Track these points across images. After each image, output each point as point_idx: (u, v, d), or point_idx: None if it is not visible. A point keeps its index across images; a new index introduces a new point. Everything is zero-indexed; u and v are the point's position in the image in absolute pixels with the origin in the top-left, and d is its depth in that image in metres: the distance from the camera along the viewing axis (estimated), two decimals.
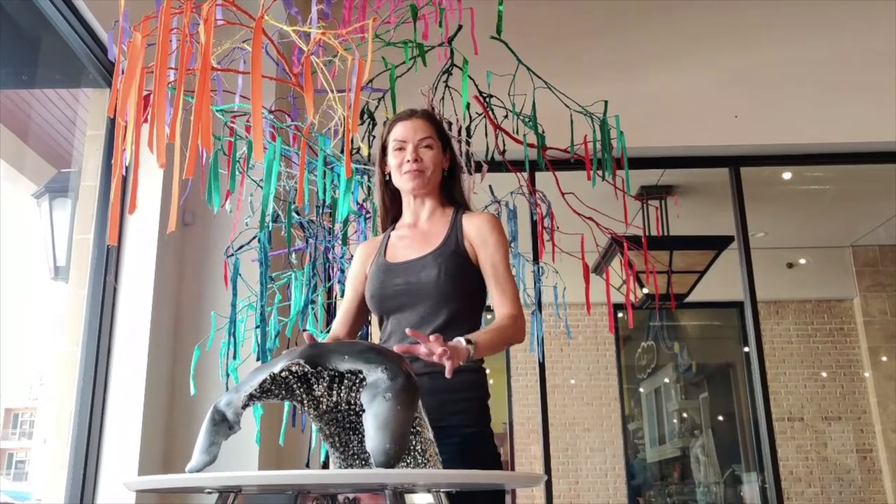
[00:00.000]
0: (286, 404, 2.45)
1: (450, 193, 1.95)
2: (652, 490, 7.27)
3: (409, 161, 1.86)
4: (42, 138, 3.08)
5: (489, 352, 1.62)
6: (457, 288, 1.77)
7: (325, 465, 2.76)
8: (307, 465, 2.96)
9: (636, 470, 7.26)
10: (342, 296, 2.34)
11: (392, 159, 1.90)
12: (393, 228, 1.97)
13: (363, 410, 1.20)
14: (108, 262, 2.81)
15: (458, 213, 1.90)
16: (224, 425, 1.25)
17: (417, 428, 1.29)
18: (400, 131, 1.90)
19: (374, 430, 1.16)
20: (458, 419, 1.71)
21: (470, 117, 2.71)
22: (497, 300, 1.79)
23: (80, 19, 2.63)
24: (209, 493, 1.15)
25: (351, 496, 1.48)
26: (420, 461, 1.29)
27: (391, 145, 1.91)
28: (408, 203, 1.94)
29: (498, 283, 1.79)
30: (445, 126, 2.51)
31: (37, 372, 3.26)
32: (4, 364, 2.49)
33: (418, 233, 1.90)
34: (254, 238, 2.60)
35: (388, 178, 1.95)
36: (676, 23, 4.19)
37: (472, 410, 1.76)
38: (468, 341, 1.54)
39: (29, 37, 2.78)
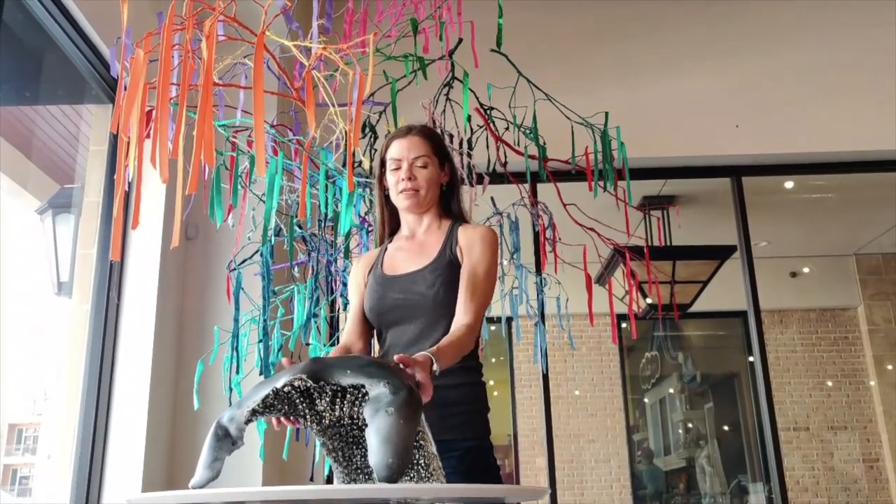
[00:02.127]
0: None
1: (447, 207, 1.95)
2: (659, 500, 7.23)
3: (403, 180, 1.86)
4: (45, 154, 3.09)
5: (448, 365, 1.55)
6: (454, 300, 1.75)
7: (329, 480, 2.75)
8: (311, 480, 2.95)
9: (648, 477, 7.21)
10: (345, 309, 2.33)
11: (389, 177, 1.91)
12: (390, 241, 1.97)
13: (366, 425, 1.20)
14: (112, 277, 2.81)
15: (454, 225, 1.89)
16: (227, 441, 1.25)
17: (420, 442, 1.28)
18: (395, 150, 1.90)
19: (376, 445, 1.15)
20: (458, 432, 1.71)
21: (471, 130, 2.72)
22: (460, 306, 1.72)
23: (83, 36, 2.65)
24: None
25: None
26: (423, 475, 1.29)
27: (388, 164, 1.91)
28: (405, 219, 1.95)
29: (467, 289, 1.74)
30: (446, 139, 2.52)
31: (40, 387, 3.26)
32: (8, 379, 2.49)
33: (415, 245, 1.90)
34: (256, 252, 2.61)
35: (387, 192, 1.95)
36: (677, 32, 4.21)
37: (472, 424, 1.75)
38: (434, 358, 1.46)
39: (32, 53, 2.79)
